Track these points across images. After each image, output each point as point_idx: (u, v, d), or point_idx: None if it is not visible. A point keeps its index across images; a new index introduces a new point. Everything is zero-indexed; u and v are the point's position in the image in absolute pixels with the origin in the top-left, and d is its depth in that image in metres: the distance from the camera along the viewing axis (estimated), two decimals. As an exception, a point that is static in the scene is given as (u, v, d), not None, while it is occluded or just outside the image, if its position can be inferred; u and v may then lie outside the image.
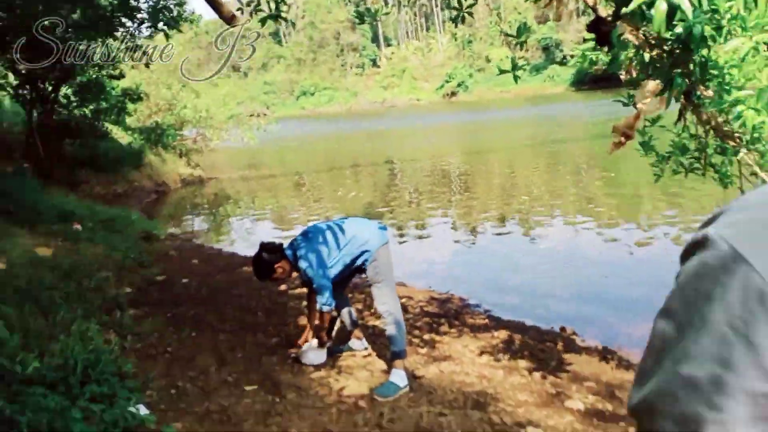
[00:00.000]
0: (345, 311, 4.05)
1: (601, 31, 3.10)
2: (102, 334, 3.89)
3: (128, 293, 5.42)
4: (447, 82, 75.65)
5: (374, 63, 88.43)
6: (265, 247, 3.71)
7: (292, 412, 3.22)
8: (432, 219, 10.18)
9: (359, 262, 3.69)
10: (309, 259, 3.61)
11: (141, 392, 3.29)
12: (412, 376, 3.69)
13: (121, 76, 13.54)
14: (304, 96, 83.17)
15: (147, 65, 13.54)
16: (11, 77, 12.09)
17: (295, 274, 3.88)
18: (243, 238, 10.09)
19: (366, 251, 3.65)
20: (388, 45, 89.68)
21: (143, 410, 3.05)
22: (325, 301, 3.61)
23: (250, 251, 8.08)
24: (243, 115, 20.57)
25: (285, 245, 3.79)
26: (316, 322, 3.89)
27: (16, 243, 6.72)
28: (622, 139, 3.45)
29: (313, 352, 3.92)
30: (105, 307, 4.85)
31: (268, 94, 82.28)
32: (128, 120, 16.12)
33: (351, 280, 4.13)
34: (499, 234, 8.74)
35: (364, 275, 3.83)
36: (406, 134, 31.16)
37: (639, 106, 3.27)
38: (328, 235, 3.69)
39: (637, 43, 2.94)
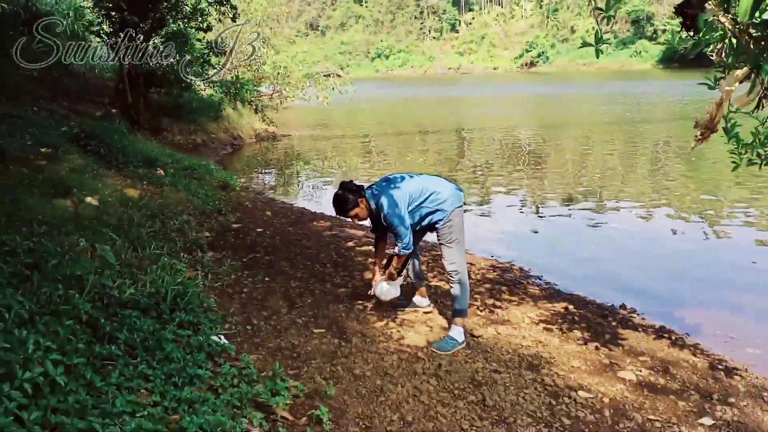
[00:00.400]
0: (410, 263, 4.20)
1: (688, 14, 3.06)
2: (187, 270, 4.25)
3: (207, 237, 5.81)
4: (527, 51, 73.68)
5: (453, 28, 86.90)
6: (346, 185, 3.82)
7: (356, 355, 3.47)
8: (498, 190, 10.18)
9: (433, 219, 3.79)
10: (389, 202, 3.70)
11: (220, 325, 3.61)
12: (471, 335, 3.86)
13: (209, 28, 13.99)
14: (379, 58, 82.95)
15: (233, 19, 13.95)
16: (105, 25, 12.66)
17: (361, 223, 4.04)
18: (311, 195, 10.43)
19: (441, 210, 3.75)
20: (470, 10, 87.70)
21: (223, 340, 3.36)
22: (404, 245, 3.73)
23: (319, 208, 8.46)
24: (319, 75, 20.85)
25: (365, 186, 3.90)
26: (393, 263, 3.96)
27: (107, 183, 7.25)
28: (706, 132, 3.42)
29: (386, 284, 4.03)
30: (187, 248, 5.23)
31: (343, 54, 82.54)
32: (209, 72, 16.65)
33: (422, 237, 4.22)
34: (566, 210, 8.68)
35: (434, 233, 3.91)
36: (479, 103, 30.77)
37: (725, 88, 3.23)
38: (409, 185, 3.78)
39: (728, 26, 2.90)
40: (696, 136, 3.44)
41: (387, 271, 4.01)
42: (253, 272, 4.84)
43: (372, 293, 4.14)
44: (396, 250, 3.81)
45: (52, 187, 6.11)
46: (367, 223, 4.10)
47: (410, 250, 3.80)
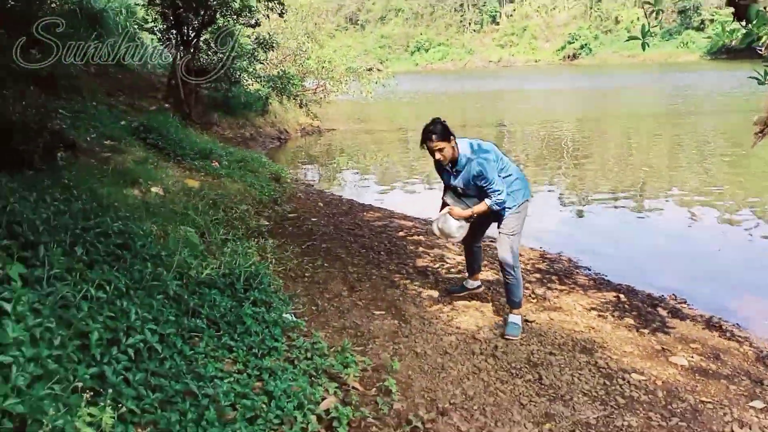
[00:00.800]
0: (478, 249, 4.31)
1: (740, 5, 3.14)
2: (254, 254, 4.51)
3: (266, 225, 6.09)
4: (569, 43, 72.53)
5: (493, 20, 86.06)
6: (439, 120, 3.76)
7: (416, 335, 3.68)
8: (540, 183, 10.22)
9: (503, 204, 3.76)
10: (485, 157, 3.67)
11: (288, 305, 3.86)
12: (524, 320, 4.01)
13: (257, 24, 14.35)
14: (419, 51, 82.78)
15: (281, 15, 14.26)
16: (160, 22, 13.11)
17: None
18: (358, 188, 10.66)
19: (513, 197, 3.77)
20: (510, 1, 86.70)
21: (293, 318, 3.61)
22: (498, 200, 3.68)
23: (367, 200, 8.69)
24: (362, 69, 21.07)
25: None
26: (475, 208, 3.80)
27: (168, 174, 7.61)
28: (765, 129, 3.49)
29: (453, 220, 3.85)
30: (248, 234, 5.51)
31: (383, 48, 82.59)
32: (256, 68, 17.02)
33: (489, 226, 4.17)
34: (611, 204, 8.69)
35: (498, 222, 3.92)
36: (520, 96, 30.57)
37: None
38: (499, 154, 3.81)
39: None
40: (756, 133, 3.52)
41: (460, 210, 3.85)
42: (312, 258, 5.09)
43: (435, 227, 3.96)
44: (488, 201, 3.72)
45: (120, 177, 6.49)
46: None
47: (501, 207, 3.74)
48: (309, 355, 3.13)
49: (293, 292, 4.16)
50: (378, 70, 23.39)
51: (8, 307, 2.38)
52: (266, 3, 13.99)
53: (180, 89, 13.17)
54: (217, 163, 8.94)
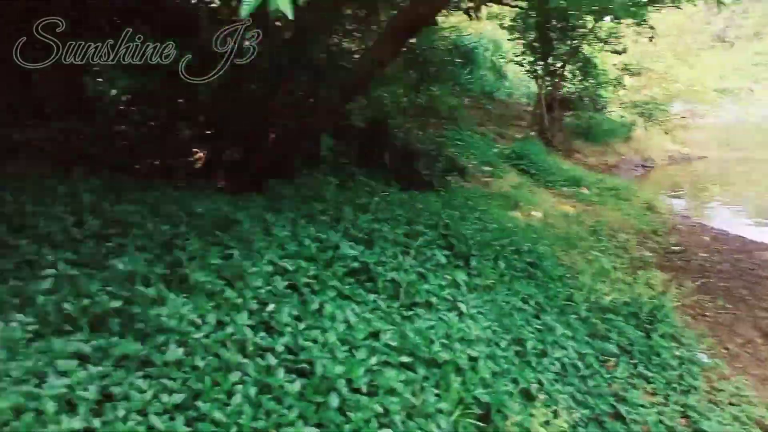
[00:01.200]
0: None
1: None
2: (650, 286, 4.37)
3: (650, 256, 5.83)
4: None
5: None
6: None
7: None
8: None
9: None
10: None
11: (696, 343, 3.62)
12: None
13: (624, 51, 13.99)
14: (808, 67, 69.52)
15: (650, 39, 13.65)
16: (529, 54, 13.73)
17: None
18: (743, 223, 9.39)
19: None
20: None
21: (704, 359, 3.37)
22: None
23: (751, 235, 7.53)
24: (738, 90, 18.72)
25: None
26: None
27: (543, 199, 7.91)
28: None
29: None
30: (633, 265, 5.35)
31: (757, 65, 71.79)
32: (619, 93, 16.52)
33: None
34: None
35: None
36: None
37: None
38: None
39: None
40: None
41: None
42: (711, 297, 4.68)
43: None
44: None
45: (502, 199, 7.00)
46: None
47: None
48: (734, 400, 2.88)
49: (699, 331, 3.89)
50: (750, 90, 20.52)
51: (464, 308, 2.78)
52: (635, 28, 13.55)
53: (544, 118, 13.61)
54: (586, 190, 8.95)
